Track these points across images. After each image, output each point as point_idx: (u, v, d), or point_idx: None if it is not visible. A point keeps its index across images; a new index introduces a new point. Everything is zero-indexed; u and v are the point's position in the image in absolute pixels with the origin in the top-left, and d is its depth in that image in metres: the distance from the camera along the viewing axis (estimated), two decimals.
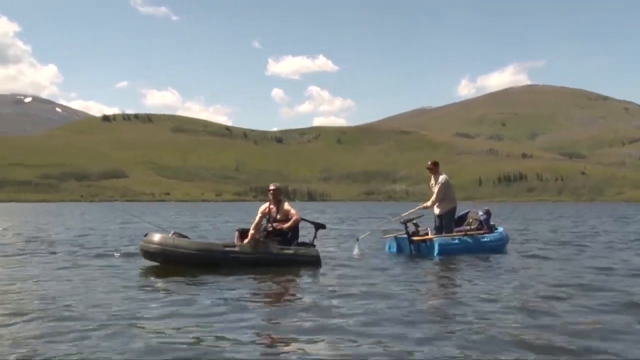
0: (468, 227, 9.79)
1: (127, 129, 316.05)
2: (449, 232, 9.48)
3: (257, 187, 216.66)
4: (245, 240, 7.57)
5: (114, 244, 10.92)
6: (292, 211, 7.76)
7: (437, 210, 9.65)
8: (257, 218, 7.78)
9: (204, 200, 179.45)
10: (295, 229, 7.72)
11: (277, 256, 7.36)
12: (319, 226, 8.08)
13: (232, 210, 48.56)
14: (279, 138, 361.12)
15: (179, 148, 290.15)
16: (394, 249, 9.56)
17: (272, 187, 7.89)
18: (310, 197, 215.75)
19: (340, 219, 25.86)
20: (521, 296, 5.33)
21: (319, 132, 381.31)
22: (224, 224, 20.88)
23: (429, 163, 9.81)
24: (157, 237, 7.25)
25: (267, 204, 7.94)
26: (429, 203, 9.68)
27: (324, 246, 10.80)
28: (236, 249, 7.30)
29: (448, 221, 9.61)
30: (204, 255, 7.10)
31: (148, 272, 7.02)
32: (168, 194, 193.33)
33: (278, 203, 7.84)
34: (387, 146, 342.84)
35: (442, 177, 9.69)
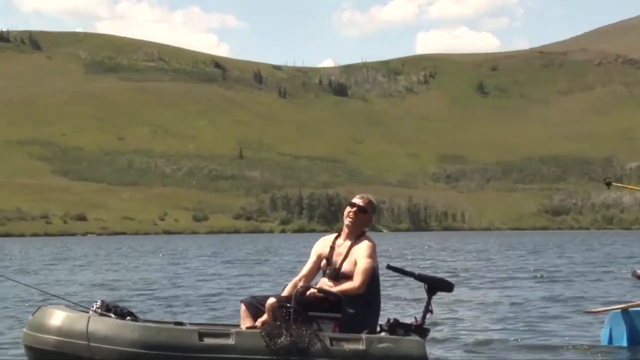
0: None
1: None
2: None
3: (288, 198, 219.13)
4: (260, 320, 8.05)
5: None
6: (364, 258, 8.20)
7: None
8: (308, 266, 8.50)
9: (167, 233, 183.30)
10: (367, 296, 8.17)
11: (320, 354, 7.72)
12: (435, 285, 8.42)
13: (231, 251, 49.41)
14: (339, 85, 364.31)
15: (104, 110, 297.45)
16: (622, 337, 9.68)
17: (356, 201, 8.48)
18: (415, 220, 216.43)
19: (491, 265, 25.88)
20: None
21: (430, 68, 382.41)
22: (212, 281, 21.29)
23: None
24: (60, 316, 7.71)
25: (332, 237, 8.62)
26: None
27: (451, 330, 10.98)
28: (229, 340, 7.73)
29: None
30: (157, 355, 7.57)
31: None
32: (82, 218, 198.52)
33: (356, 238, 8.40)
34: (596, 96, 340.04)
35: None
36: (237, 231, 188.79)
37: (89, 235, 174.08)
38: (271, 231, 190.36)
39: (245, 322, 8.06)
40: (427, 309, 8.16)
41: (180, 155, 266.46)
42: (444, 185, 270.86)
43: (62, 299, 8.77)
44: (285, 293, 8.11)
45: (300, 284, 8.16)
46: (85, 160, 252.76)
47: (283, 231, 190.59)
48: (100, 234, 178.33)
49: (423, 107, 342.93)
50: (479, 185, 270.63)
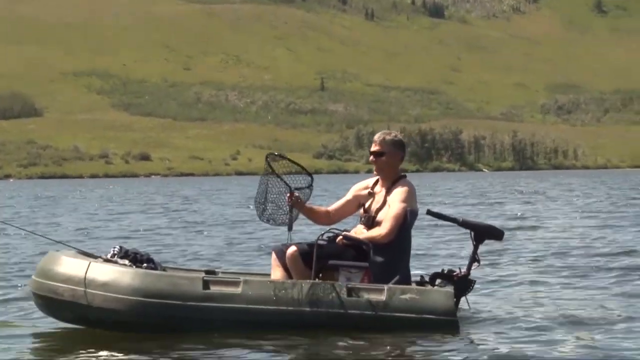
0: None
1: None
2: None
3: (375, 134, 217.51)
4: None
5: None
6: (396, 203, 8.48)
7: None
8: (341, 202, 9.06)
9: (239, 173, 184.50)
10: (395, 243, 8.36)
11: (334, 305, 7.98)
12: (482, 233, 8.54)
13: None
14: (434, 4, 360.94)
15: (168, 37, 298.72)
16: None
17: (376, 141, 8.98)
18: (520, 158, 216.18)
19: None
20: None
21: None
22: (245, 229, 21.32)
23: None
24: (62, 262, 8.28)
25: (370, 182, 9.11)
26: None
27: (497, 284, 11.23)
28: (237, 288, 8.10)
29: None
30: (156, 303, 7.96)
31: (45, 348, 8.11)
32: (146, 157, 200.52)
33: (392, 184, 8.78)
34: None
35: None
36: (317, 171, 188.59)
37: (152, 176, 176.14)
38: (356, 171, 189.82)
39: (276, 272, 8.33)
40: (474, 259, 8.30)
41: (254, 87, 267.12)
42: (554, 118, 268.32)
43: (68, 246, 9.08)
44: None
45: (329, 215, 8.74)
46: (148, 94, 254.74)
47: (369, 171, 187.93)
48: (165, 175, 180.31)
49: (531, 29, 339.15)
50: (594, 118, 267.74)
